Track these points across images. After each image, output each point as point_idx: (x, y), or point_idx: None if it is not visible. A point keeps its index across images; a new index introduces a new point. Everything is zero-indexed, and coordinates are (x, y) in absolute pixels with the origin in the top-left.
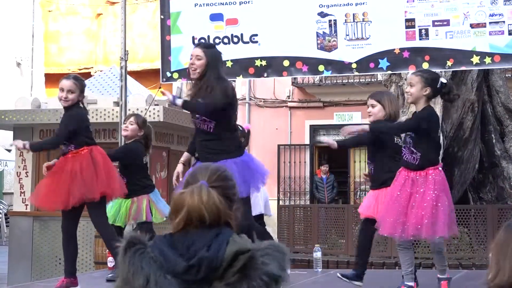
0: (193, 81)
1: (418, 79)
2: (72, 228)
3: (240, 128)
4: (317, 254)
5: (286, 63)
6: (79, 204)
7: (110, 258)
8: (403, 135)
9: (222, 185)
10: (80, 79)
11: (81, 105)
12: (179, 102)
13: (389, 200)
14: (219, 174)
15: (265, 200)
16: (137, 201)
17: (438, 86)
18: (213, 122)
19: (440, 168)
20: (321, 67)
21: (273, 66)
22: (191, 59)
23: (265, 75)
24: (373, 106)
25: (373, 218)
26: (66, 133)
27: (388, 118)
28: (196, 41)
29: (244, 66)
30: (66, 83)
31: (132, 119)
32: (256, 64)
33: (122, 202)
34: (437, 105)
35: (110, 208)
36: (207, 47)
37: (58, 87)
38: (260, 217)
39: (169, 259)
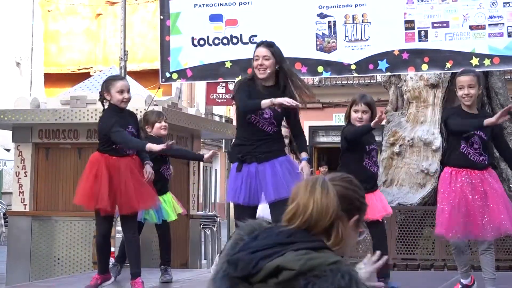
0: (261, 81)
1: (476, 80)
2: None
3: None
4: None
5: None
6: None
7: (111, 259)
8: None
9: (346, 186)
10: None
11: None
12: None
13: (458, 203)
14: (346, 177)
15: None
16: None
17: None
18: (277, 127)
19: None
20: (320, 68)
21: None
22: (257, 60)
23: None
24: (364, 112)
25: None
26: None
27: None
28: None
29: (243, 67)
30: (125, 84)
31: (164, 117)
32: None
33: (165, 196)
34: (436, 107)
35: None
36: (271, 45)
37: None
38: None
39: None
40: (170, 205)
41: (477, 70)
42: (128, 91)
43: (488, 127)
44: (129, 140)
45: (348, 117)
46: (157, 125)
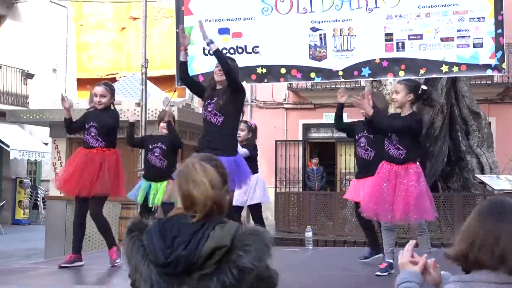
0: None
1: (402, 87)
2: (86, 212)
3: (249, 124)
4: (309, 234)
5: (283, 70)
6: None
7: None
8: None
9: (215, 163)
10: (110, 84)
11: (112, 107)
12: (213, 46)
13: (373, 188)
14: (210, 156)
15: (263, 189)
16: (172, 183)
17: (419, 92)
18: (222, 117)
19: (418, 164)
20: (312, 74)
21: (272, 73)
22: (217, 66)
23: (265, 80)
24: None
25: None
26: (113, 130)
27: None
28: (206, 51)
29: (247, 73)
30: (98, 89)
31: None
32: (257, 72)
33: (158, 184)
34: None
35: (144, 190)
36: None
37: (88, 90)
38: (258, 205)
39: (153, 250)
40: (154, 192)
41: (446, 76)
42: (96, 96)
43: (409, 126)
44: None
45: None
46: (161, 124)
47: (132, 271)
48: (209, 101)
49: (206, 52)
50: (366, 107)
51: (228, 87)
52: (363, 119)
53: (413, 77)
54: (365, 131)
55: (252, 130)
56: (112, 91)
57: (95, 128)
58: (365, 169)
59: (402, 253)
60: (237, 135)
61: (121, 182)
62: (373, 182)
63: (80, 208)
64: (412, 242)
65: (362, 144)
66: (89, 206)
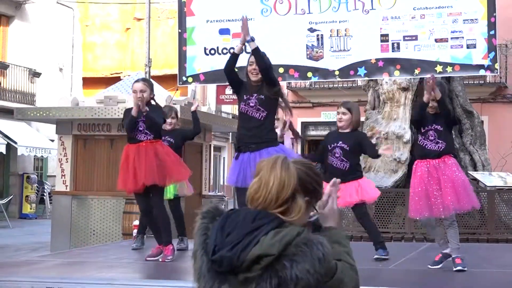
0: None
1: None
2: (151, 206)
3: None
4: None
5: (281, 70)
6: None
7: (135, 230)
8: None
9: (305, 171)
10: (148, 79)
11: (153, 102)
12: (253, 44)
13: (417, 188)
14: (308, 164)
15: None
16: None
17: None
18: (266, 112)
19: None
20: (309, 74)
21: None
22: (251, 65)
23: None
24: (344, 114)
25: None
26: (161, 127)
27: (353, 126)
28: (207, 51)
29: (246, 73)
30: (137, 85)
31: (174, 114)
32: None
33: None
34: (407, 107)
35: None
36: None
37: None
38: None
39: (210, 243)
40: (169, 186)
41: (440, 76)
42: (135, 92)
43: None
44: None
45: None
46: (167, 120)
47: (192, 255)
48: (249, 96)
49: (207, 52)
50: (436, 90)
51: (266, 83)
52: (328, 131)
53: (408, 77)
54: (340, 142)
55: (290, 126)
56: (151, 86)
57: (143, 122)
58: (342, 176)
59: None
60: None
61: (183, 164)
62: (416, 182)
63: (143, 204)
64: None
65: (337, 155)
66: (152, 201)
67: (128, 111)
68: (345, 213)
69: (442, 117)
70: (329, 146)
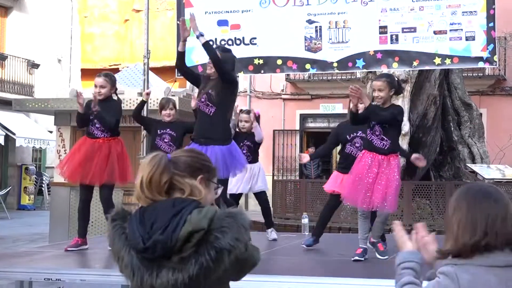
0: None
1: (385, 84)
2: (90, 199)
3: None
4: (305, 220)
5: (279, 62)
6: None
7: None
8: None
9: (188, 155)
10: (110, 75)
11: (114, 97)
12: (202, 39)
13: (355, 176)
14: (189, 149)
15: (264, 178)
16: None
17: (397, 85)
18: (214, 107)
19: (399, 155)
20: (307, 65)
21: (269, 64)
22: (209, 63)
23: (262, 71)
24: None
25: (338, 193)
26: (116, 123)
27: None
28: (211, 44)
29: (244, 64)
30: (98, 80)
31: (172, 105)
32: (254, 62)
33: None
34: (405, 99)
35: None
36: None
37: (92, 80)
38: (263, 193)
39: (133, 237)
40: None
41: (439, 68)
42: (96, 87)
43: (395, 117)
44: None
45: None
46: (163, 112)
47: (115, 258)
48: (202, 91)
49: None
50: (364, 98)
51: (220, 79)
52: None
53: (406, 69)
54: (359, 132)
55: (256, 119)
56: (112, 81)
57: (99, 120)
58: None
59: (396, 235)
60: (242, 127)
61: (128, 168)
62: (356, 170)
63: (85, 195)
64: (397, 222)
65: (357, 145)
66: (100, 192)
67: (88, 104)
68: (343, 206)
69: (388, 114)
70: (348, 136)
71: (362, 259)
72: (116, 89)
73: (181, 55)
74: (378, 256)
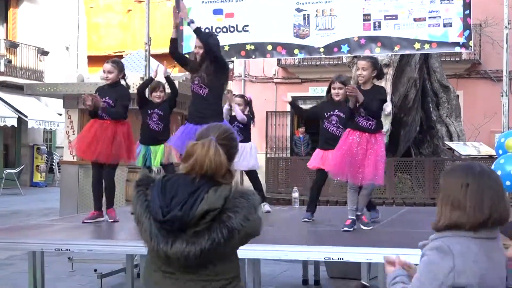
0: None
1: (368, 64)
2: (101, 175)
3: (245, 98)
4: (295, 194)
5: (269, 47)
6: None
7: None
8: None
9: (228, 144)
10: (118, 61)
11: (122, 82)
12: (193, 26)
13: (344, 152)
14: (227, 134)
15: (255, 156)
16: (168, 146)
17: (379, 67)
18: (207, 89)
19: (383, 132)
20: (296, 51)
21: (260, 49)
22: (195, 47)
23: (253, 56)
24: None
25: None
26: (124, 111)
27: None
28: (202, 30)
29: (237, 50)
30: (106, 66)
31: (162, 88)
32: (246, 48)
33: (156, 147)
34: (388, 82)
35: (145, 154)
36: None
37: (98, 66)
38: (254, 170)
39: (153, 208)
40: (154, 155)
41: (419, 52)
42: (104, 72)
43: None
44: None
45: (328, 92)
46: (153, 93)
47: (135, 220)
48: (195, 75)
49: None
50: (359, 95)
51: (211, 62)
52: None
53: (388, 54)
54: (336, 110)
55: (248, 103)
56: (120, 67)
57: (108, 104)
58: (335, 142)
59: (385, 266)
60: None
61: (133, 148)
62: (344, 147)
63: (97, 172)
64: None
65: (333, 122)
66: (104, 170)
67: (99, 89)
68: (331, 181)
69: (374, 99)
70: (326, 114)
71: (351, 229)
72: (124, 74)
73: (174, 41)
74: (362, 227)
